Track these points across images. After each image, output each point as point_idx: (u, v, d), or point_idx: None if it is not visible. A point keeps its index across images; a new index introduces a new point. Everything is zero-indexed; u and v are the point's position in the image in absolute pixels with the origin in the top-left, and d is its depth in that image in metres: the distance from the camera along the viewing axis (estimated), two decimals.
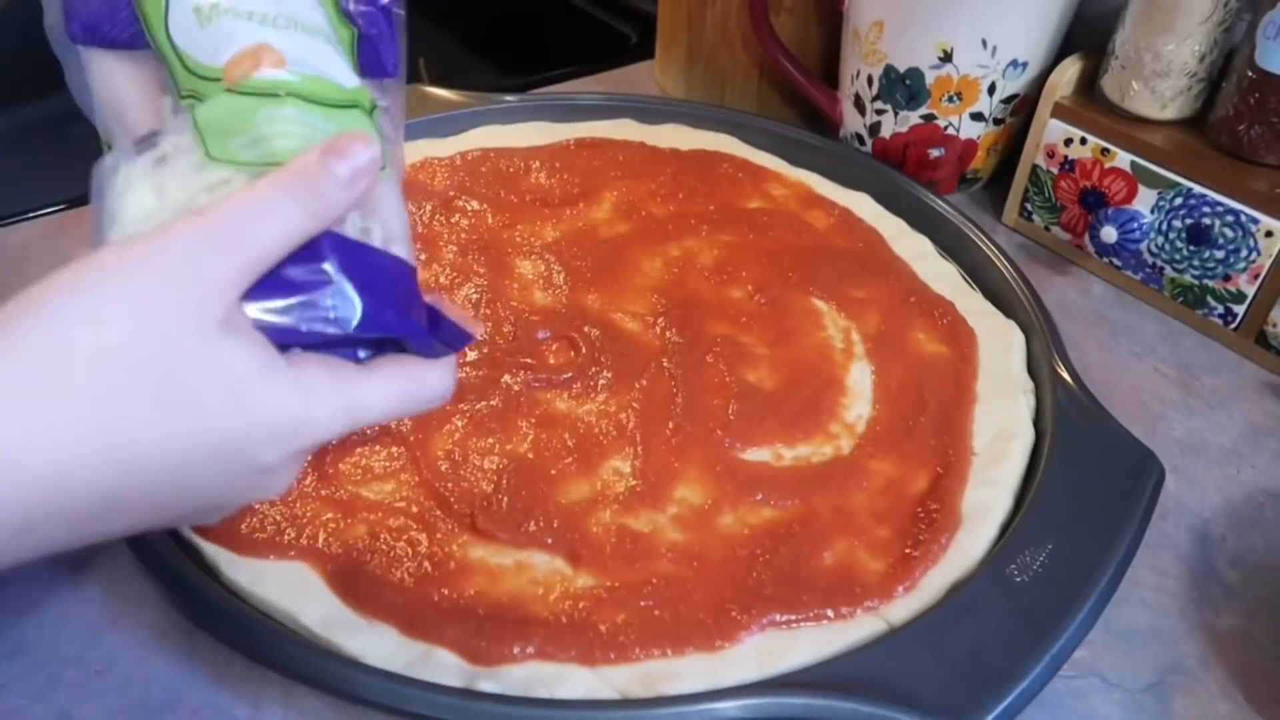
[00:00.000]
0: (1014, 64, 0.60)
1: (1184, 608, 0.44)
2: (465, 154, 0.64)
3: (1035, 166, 0.62)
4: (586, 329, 0.52)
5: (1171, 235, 0.57)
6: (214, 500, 0.31)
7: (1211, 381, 0.55)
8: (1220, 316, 0.57)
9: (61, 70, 0.36)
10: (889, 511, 0.44)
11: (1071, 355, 0.51)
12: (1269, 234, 0.53)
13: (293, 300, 0.31)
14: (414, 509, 0.43)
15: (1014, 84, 0.62)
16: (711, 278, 0.56)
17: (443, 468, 0.45)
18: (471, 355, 0.50)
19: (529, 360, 0.50)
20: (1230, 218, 0.54)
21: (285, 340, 0.31)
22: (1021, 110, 0.64)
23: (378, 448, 0.45)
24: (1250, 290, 0.55)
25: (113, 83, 0.34)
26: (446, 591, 0.40)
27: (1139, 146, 0.56)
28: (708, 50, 0.74)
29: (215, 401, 0.28)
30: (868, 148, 0.68)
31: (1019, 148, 0.63)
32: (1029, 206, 0.64)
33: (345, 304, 0.31)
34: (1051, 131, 0.60)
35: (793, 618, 0.40)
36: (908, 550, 0.42)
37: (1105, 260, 0.60)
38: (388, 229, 0.34)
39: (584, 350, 0.51)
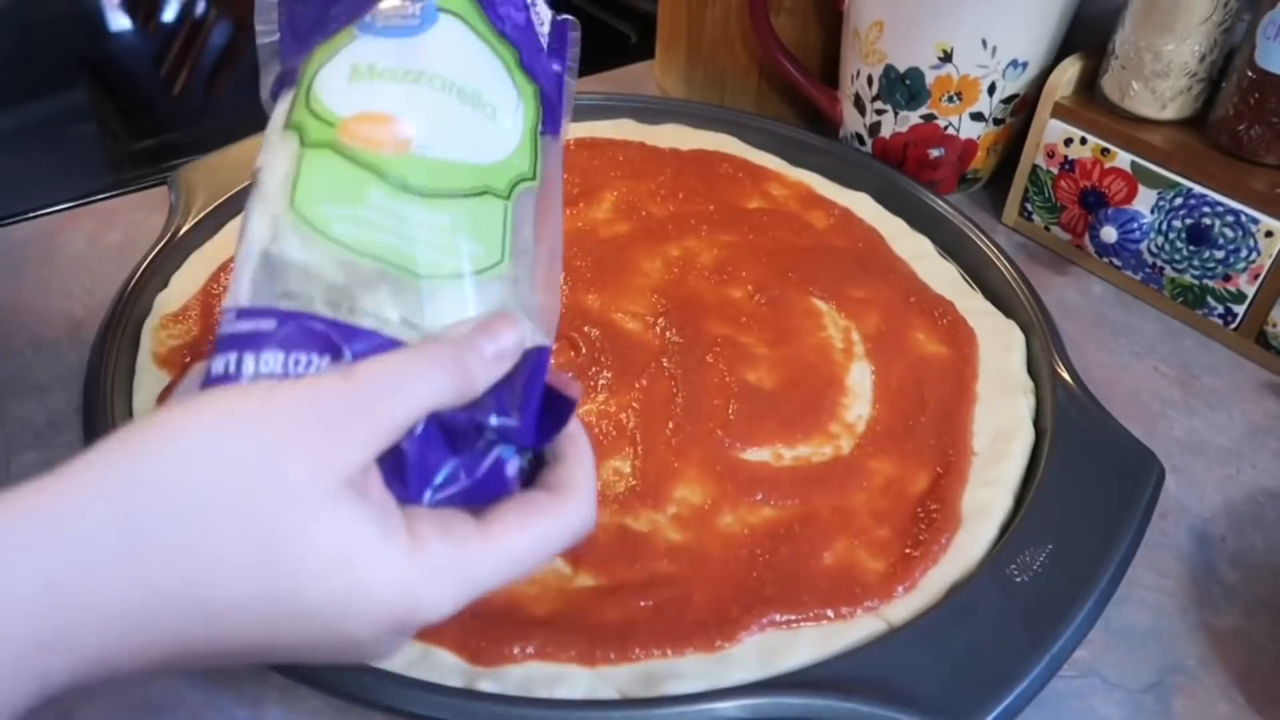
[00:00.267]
0: (1014, 64, 0.60)
1: (1184, 608, 0.44)
2: None
3: (1035, 166, 0.62)
4: (586, 329, 0.52)
5: (1171, 235, 0.57)
6: (304, 658, 0.28)
7: (1211, 381, 0.55)
8: (1220, 316, 0.57)
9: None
10: (889, 511, 0.44)
11: (1071, 355, 0.51)
12: (1269, 234, 0.53)
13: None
14: None
15: (1014, 84, 0.62)
16: (711, 278, 0.56)
17: None
18: None
19: None
20: (1230, 218, 0.54)
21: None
22: (1021, 110, 0.64)
23: None
24: (1250, 290, 0.55)
25: None
26: None
27: (1139, 146, 0.56)
28: (708, 50, 0.74)
29: (318, 565, 0.26)
30: (868, 148, 0.68)
31: (1019, 148, 0.63)
32: (1029, 206, 0.64)
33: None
34: (1051, 131, 0.60)
35: (793, 618, 0.40)
36: (908, 550, 0.42)
37: (1105, 260, 0.60)
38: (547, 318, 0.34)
39: (584, 350, 0.51)
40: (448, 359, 0.29)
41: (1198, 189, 0.55)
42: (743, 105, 0.75)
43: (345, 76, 0.32)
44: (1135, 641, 0.43)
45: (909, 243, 0.60)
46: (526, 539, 0.30)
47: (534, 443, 0.32)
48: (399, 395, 0.28)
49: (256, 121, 0.35)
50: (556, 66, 0.37)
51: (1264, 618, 0.44)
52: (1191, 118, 0.57)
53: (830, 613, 0.40)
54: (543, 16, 0.37)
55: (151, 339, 0.51)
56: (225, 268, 0.54)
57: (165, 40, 0.89)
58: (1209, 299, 0.57)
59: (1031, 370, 0.52)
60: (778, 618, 0.39)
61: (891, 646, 0.38)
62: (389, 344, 0.30)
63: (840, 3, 0.65)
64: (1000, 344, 0.53)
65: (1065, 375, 0.50)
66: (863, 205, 0.62)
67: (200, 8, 0.93)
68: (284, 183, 0.31)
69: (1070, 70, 0.59)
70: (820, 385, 0.50)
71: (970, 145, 0.64)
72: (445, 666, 0.37)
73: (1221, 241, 0.55)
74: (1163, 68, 0.55)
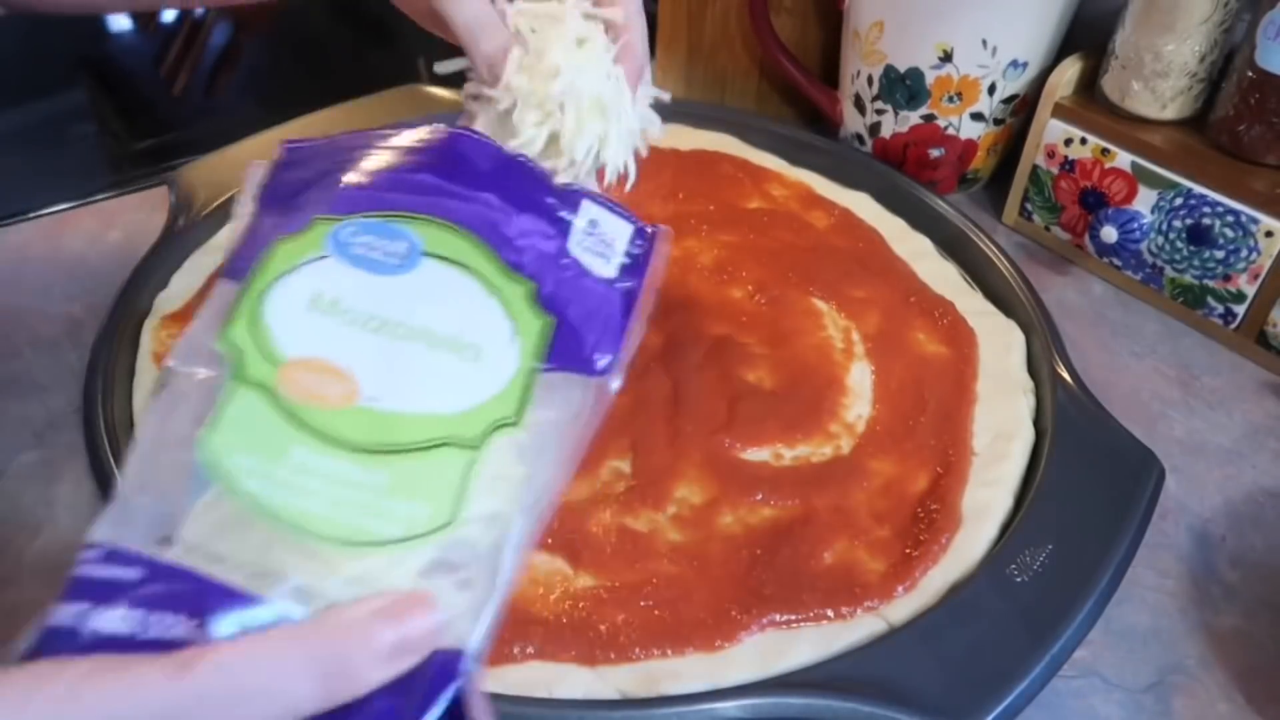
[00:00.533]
0: (1014, 64, 0.60)
1: (1184, 608, 0.44)
2: None
3: (1035, 166, 0.62)
4: None
5: (1171, 235, 0.57)
6: None
7: (1211, 381, 0.55)
8: (1220, 316, 0.57)
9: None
10: (889, 511, 0.44)
11: (1071, 355, 0.51)
12: (1269, 234, 0.53)
13: None
14: None
15: (1014, 84, 0.62)
16: (711, 278, 0.56)
17: None
18: None
19: None
20: (1230, 218, 0.54)
21: None
22: (1021, 110, 0.64)
23: None
24: (1250, 290, 0.55)
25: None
26: None
27: (1139, 146, 0.56)
28: (708, 50, 0.74)
29: None
30: (868, 148, 0.68)
31: (1019, 148, 0.63)
32: (1029, 206, 0.64)
33: None
34: (1051, 131, 0.60)
35: (793, 618, 0.40)
36: (908, 550, 0.42)
37: (1105, 260, 0.60)
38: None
39: None
40: (322, 650, 0.23)
41: (1198, 189, 0.55)
42: (743, 105, 0.75)
43: (304, 304, 0.29)
44: (1135, 641, 0.43)
45: (909, 243, 0.60)
46: None
47: None
48: (241, 701, 0.22)
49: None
50: (629, 282, 0.32)
51: (1264, 618, 0.44)
52: (1192, 118, 0.57)
53: (830, 613, 0.40)
54: (611, 234, 0.33)
55: (151, 339, 0.51)
56: None
57: (165, 40, 0.89)
58: (1209, 299, 0.57)
59: (1031, 370, 0.52)
60: (778, 618, 0.39)
61: (891, 646, 0.38)
62: (264, 615, 0.25)
63: (840, 3, 0.65)
64: (1000, 344, 0.53)
65: (1065, 375, 0.50)
66: (863, 205, 0.62)
67: (200, 8, 0.93)
68: (200, 417, 0.27)
69: (1070, 70, 0.59)
70: (820, 385, 0.50)
71: (970, 145, 0.64)
72: None
73: (1221, 241, 0.55)
74: (1163, 68, 0.55)
